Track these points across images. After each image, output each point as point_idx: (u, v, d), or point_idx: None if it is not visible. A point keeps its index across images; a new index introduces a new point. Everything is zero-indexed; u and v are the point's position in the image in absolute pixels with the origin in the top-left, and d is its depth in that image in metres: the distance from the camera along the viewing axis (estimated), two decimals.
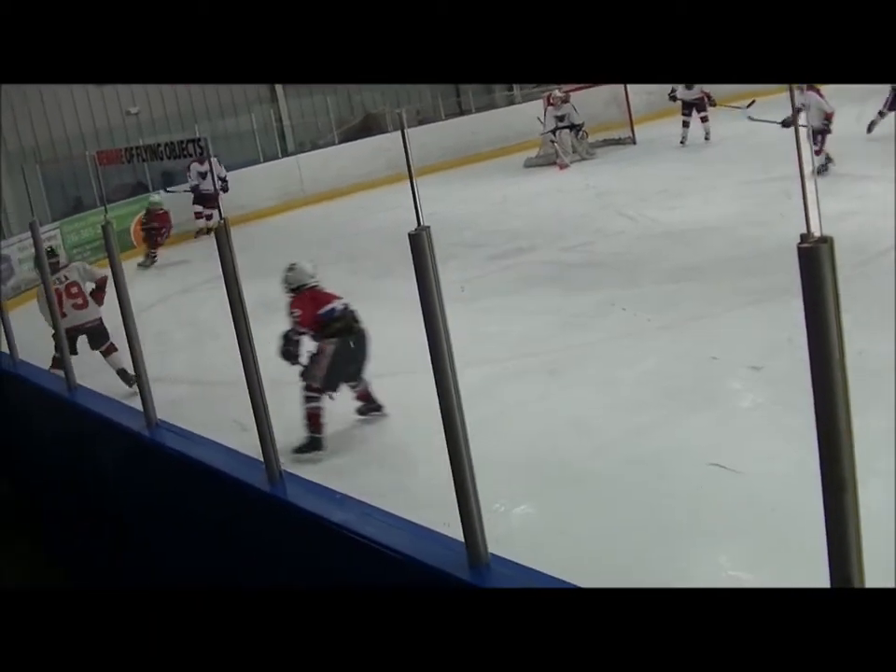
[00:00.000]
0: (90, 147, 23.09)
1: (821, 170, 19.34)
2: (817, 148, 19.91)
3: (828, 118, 20.45)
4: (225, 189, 20.98)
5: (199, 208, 21.66)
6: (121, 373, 11.33)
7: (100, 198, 19.49)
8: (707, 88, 22.22)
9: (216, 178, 20.75)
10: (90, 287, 11.93)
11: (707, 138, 22.48)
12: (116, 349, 11.52)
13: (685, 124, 22.80)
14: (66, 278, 11.81)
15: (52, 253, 12.36)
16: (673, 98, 22.86)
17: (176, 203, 21.41)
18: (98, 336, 11.83)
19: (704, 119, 22.51)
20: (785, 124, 16.81)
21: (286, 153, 26.41)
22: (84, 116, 24.99)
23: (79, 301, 11.80)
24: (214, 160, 20.25)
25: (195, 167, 20.91)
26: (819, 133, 20.06)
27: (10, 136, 24.00)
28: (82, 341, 11.65)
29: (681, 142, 22.59)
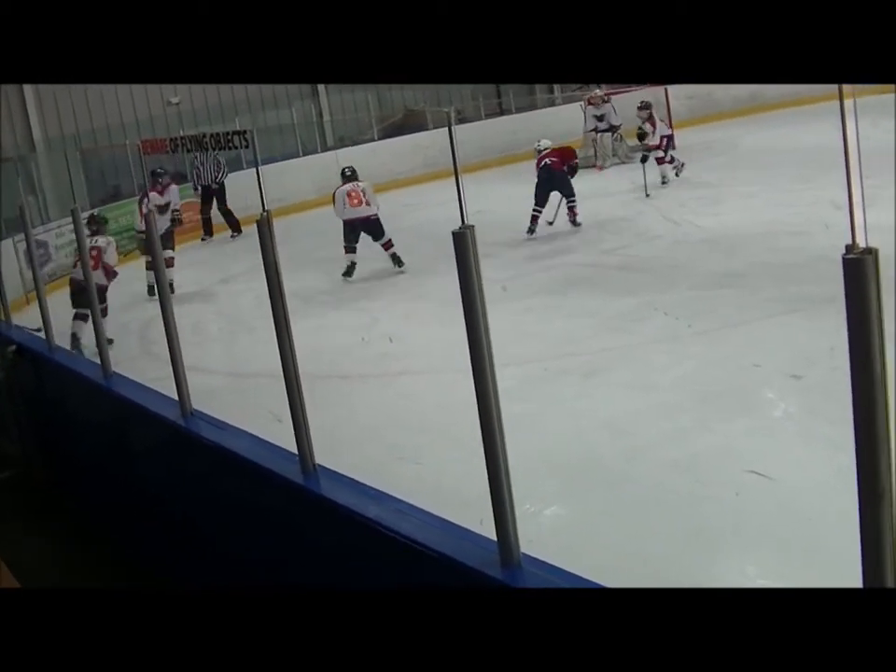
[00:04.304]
0: (130, 137, 23.16)
1: (678, 171, 19.94)
2: (662, 156, 19.94)
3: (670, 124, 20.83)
4: (178, 221, 18.47)
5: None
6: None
7: (139, 188, 19.55)
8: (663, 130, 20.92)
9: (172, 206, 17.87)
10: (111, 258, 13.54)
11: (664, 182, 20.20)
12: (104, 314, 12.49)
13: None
14: (95, 241, 13.33)
15: (97, 220, 14.20)
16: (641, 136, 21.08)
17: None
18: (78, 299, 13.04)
19: (660, 161, 20.35)
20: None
21: (325, 148, 26.44)
22: (125, 105, 25.09)
23: (92, 263, 12.56)
24: (173, 188, 18.13)
25: (154, 198, 17.11)
26: (667, 138, 20.13)
27: (52, 125, 24.15)
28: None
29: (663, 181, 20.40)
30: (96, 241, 13.43)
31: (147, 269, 15.11)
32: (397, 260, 16.00)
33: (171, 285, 14.58)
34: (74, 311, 13.16)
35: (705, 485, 7.01)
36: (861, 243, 2.70)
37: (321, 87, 27.95)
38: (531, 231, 16.99)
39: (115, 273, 13.62)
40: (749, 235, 14.02)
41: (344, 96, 27.99)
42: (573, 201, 17.24)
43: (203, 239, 22.14)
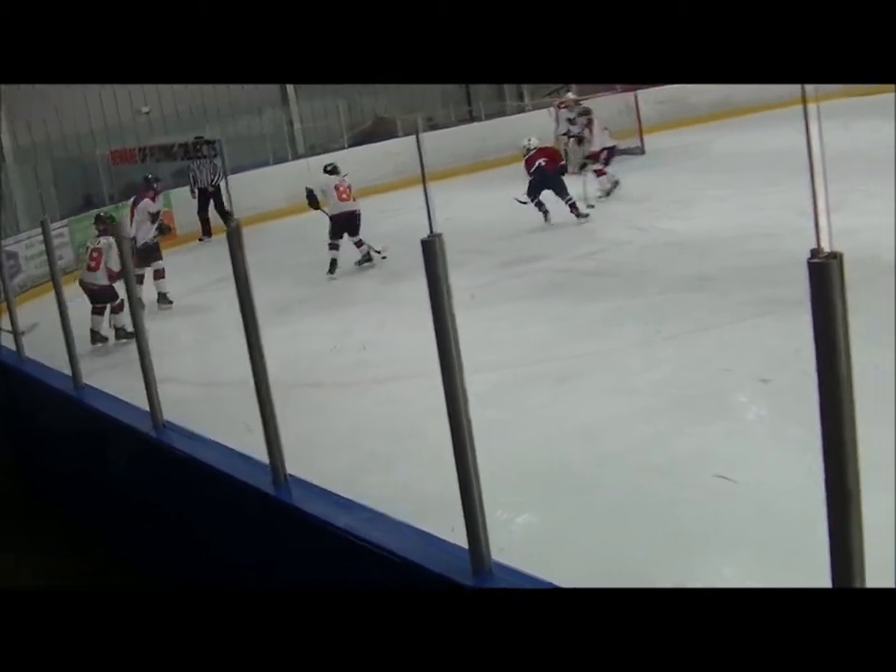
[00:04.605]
0: (100, 145, 23.13)
1: (611, 190, 19.37)
2: (601, 168, 19.81)
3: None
4: (168, 229, 18.09)
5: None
6: (121, 331, 13.74)
7: (110, 197, 19.51)
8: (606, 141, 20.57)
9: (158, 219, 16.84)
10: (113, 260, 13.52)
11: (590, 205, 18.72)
12: (120, 310, 13.70)
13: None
14: (98, 242, 13.93)
15: (104, 220, 14.68)
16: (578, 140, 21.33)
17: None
18: (99, 297, 13.81)
19: (598, 173, 19.81)
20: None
21: (296, 156, 26.43)
22: (95, 114, 25.00)
23: (93, 264, 13.75)
24: (161, 195, 17.77)
25: (147, 205, 16.55)
26: (608, 150, 19.96)
27: (22, 133, 24.03)
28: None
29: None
30: (99, 242, 13.95)
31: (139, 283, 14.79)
32: (367, 258, 16.48)
33: (167, 297, 14.99)
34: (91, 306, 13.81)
35: (679, 489, 7.02)
36: (826, 247, 2.72)
37: (291, 94, 27.93)
38: (546, 218, 17.71)
39: (118, 274, 13.18)
40: (720, 239, 14.08)
41: (315, 104, 27.95)
42: (570, 198, 17.59)
43: (200, 239, 22.41)
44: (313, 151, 26.51)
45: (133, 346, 8.46)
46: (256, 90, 27.06)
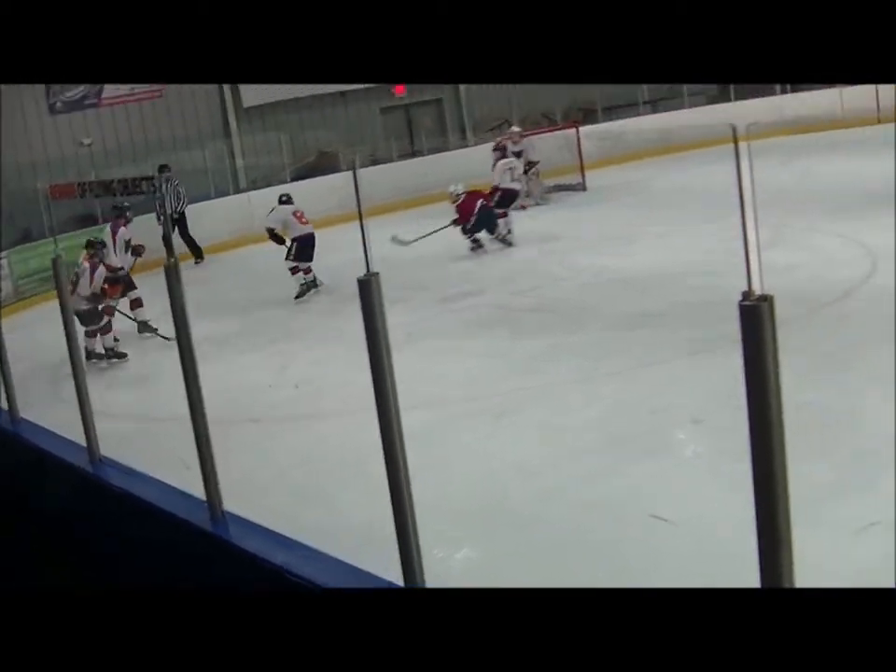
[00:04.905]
0: (41, 177, 22.93)
1: (503, 237, 19.01)
2: (501, 211, 19.48)
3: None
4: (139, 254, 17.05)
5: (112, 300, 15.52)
6: (109, 351, 14.37)
7: (50, 230, 19.36)
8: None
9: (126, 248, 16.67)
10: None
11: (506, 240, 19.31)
12: (107, 332, 14.48)
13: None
14: (81, 266, 14.33)
15: (94, 244, 15.00)
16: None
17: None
18: (84, 319, 13.80)
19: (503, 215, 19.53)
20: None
21: (238, 189, 26.39)
22: (36, 145, 24.85)
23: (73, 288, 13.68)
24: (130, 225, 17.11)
25: (123, 233, 16.61)
26: (501, 192, 19.63)
27: None
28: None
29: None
30: (83, 266, 14.37)
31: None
32: (312, 286, 16.93)
33: (148, 324, 15.08)
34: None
35: (620, 526, 7.04)
36: (757, 289, 2.75)
37: (234, 127, 27.89)
38: (476, 248, 18.52)
39: (89, 298, 14.27)
40: (661, 275, 14.18)
41: (257, 137, 27.93)
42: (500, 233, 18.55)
43: (196, 262, 22.44)
44: (254, 185, 26.48)
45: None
46: (198, 123, 27.04)
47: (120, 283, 15.64)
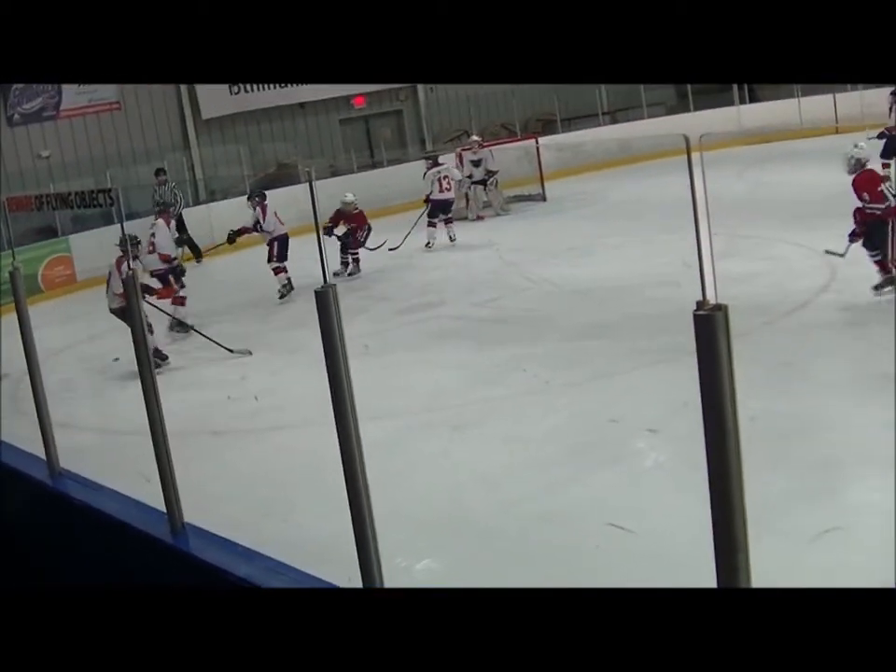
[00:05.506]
0: None
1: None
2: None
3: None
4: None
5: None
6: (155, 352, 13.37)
7: (8, 242, 19.26)
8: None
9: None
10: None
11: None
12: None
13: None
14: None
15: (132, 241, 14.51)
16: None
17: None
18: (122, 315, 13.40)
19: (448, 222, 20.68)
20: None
21: (197, 201, 26.33)
22: None
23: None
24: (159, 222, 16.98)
25: (171, 228, 17.40)
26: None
27: None
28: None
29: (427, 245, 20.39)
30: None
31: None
32: (291, 286, 16.91)
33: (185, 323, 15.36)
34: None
35: (576, 537, 7.05)
36: (712, 298, 2.77)
37: (193, 139, 27.84)
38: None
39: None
40: (619, 286, 14.23)
41: (216, 149, 27.90)
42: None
43: (198, 261, 22.71)
44: (214, 197, 26.44)
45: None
46: (157, 135, 26.96)
47: (170, 278, 16.01)
